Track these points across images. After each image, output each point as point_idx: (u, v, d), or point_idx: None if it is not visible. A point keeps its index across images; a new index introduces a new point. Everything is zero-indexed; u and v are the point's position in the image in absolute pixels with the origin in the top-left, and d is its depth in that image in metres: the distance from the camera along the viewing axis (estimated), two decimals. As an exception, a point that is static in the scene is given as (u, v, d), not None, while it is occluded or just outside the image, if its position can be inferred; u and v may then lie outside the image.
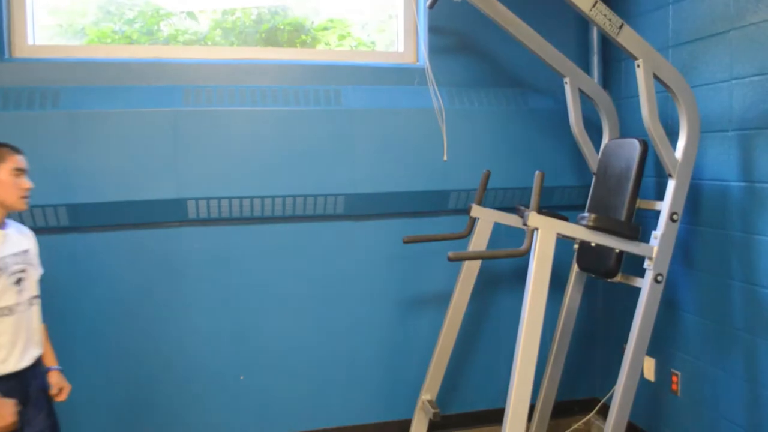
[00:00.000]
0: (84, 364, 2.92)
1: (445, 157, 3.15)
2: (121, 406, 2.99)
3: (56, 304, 2.86)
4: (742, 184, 2.58)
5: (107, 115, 2.80)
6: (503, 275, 3.39)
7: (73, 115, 2.76)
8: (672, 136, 2.62)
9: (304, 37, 3.41)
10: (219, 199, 2.93)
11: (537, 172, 2.39)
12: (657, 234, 2.57)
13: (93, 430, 2.96)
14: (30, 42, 2.95)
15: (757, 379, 2.54)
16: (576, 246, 3.02)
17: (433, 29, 3.23)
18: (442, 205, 3.24)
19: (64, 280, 2.88)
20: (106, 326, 2.94)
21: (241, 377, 3.12)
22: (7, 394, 2.09)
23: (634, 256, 2.63)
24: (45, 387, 2.31)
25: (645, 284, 2.59)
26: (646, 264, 2.58)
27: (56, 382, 2.36)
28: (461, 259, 2.80)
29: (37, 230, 2.78)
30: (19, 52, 2.92)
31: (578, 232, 2.47)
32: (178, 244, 3.00)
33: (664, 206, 2.58)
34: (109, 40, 3.15)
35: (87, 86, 2.87)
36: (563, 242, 2.78)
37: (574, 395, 3.50)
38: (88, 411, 2.94)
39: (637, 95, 2.55)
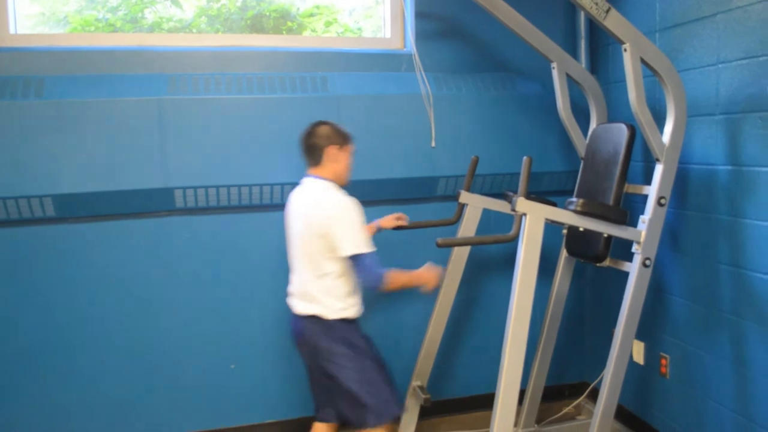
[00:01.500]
0: (72, 355, 2.92)
1: (433, 144, 3.14)
2: (109, 398, 2.98)
3: (41, 296, 2.86)
4: (729, 167, 2.59)
5: (92, 104, 2.77)
6: (492, 261, 3.40)
7: (58, 104, 2.72)
8: (659, 120, 2.61)
9: (290, 23, 3.38)
10: (206, 187, 2.91)
11: (525, 158, 2.39)
12: (645, 218, 2.58)
13: (85, 421, 2.97)
14: (12, 31, 2.91)
15: (744, 361, 2.56)
16: (565, 231, 3.03)
17: (420, 15, 3.21)
18: (430, 192, 3.24)
19: (50, 271, 2.86)
20: (93, 317, 2.93)
21: (232, 366, 3.11)
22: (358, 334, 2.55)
23: (622, 240, 2.64)
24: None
25: (633, 268, 2.60)
26: (634, 248, 2.59)
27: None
28: (450, 245, 2.80)
29: (23, 221, 2.77)
30: (1, 42, 2.88)
31: (566, 217, 2.47)
32: (166, 233, 2.98)
33: (652, 190, 2.59)
34: (92, 28, 3.11)
35: (71, 75, 2.84)
36: (552, 227, 2.78)
37: (564, 379, 3.53)
38: (73, 404, 2.94)
39: (624, 80, 2.55)
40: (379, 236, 3.18)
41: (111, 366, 2.97)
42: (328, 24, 3.45)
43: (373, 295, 3.25)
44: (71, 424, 2.95)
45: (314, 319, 2.50)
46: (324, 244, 2.41)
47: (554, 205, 2.67)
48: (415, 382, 3.07)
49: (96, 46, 2.97)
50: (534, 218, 2.33)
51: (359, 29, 3.48)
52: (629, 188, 2.82)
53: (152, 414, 3.04)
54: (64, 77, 2.81)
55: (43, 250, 2.84)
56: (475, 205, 2.99)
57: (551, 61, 2.95)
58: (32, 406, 2.89)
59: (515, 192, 2.37)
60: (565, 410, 3.41)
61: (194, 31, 3.25)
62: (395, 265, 3.24)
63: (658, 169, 2.59)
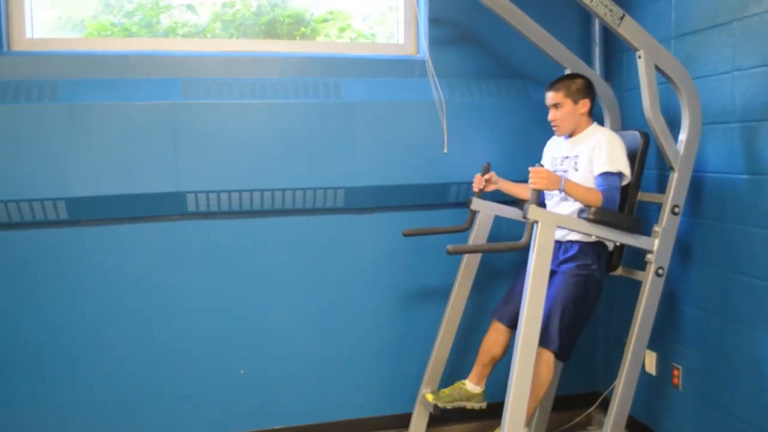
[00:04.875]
0: (82, 359, 2.93)
1: (445, 150, 3.13)
2: (119, 401, 2.99)
3: (55, 298, 2.88)
4: (745, 176, 2.56)
5: (106, 108, 2.78)
6: (504, 268, 3.38)
7: (72, 108, 2.74)
8: (674, 128, 2.60)
9: (303, 29, 3.39)
10: (218, 192, 2.92)
11: (537, 165, 2.38)
12: (658, 227, 2.56)
13: (91, 428, 2.97)
14: (29, 35, 2.94)
15: (759, 372, 2.53)
16: (577, 239, 3.00)
17: (434, 20, 3.21)
18: (442, 198, 3.23)
19: (62, 274, 2.88)
20: (105, 321, 2.94)
21: (242, 371, 3.12)
22: None
23: (635, 249, 2.61)
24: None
25: (646, 277, 2.58)
26: (647, 257, 2.57)
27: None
28: (460, 252, 2.79)
29: (36, 224, 2.80)
30: (17, 46, 2.91)
31: (579, 225, 2.45)
32: (178, 237, 2.99)
33: (666, 199, 2.57)
34: (108, 33, 3.14)
35: (86, 79, 2.86)
36: (564, 235, 2.76)
37: (575, 389, 3.49)
38: (84, 406, 2.95)
39: (639, 87, 2.53)
40: (391, 243, 3.19)
41: (118, 368, 2.98)
42: (341, 30, 3.46)
43: (383, 302, 3.26)
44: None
45: None
46: None
47: (566, 212, 2.65)
48: (425, 390, 3.05)
49: (111, 51, 2.99)
50: (546, 226, 2.32)
51: (373, 35, 3.48)
52: (642, 196, 2.80)
53: (160, 419, 3.04)
54: (78, 81, 2.83)
55: (55, 252, 2.86)
56: (486, 212, 2.97)
57: (565, 68, 2.94)
58: (35, 410, 2.91)
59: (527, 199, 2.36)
60: (576, 420, 3.38)
61: (209, 36, 3.27)
62: (406, 273, 3.26)
63: (672, 177, 2.56)
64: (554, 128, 2.76)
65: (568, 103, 2.69)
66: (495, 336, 2.86)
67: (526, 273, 2.34)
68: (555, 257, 2.69)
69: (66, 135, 2.74)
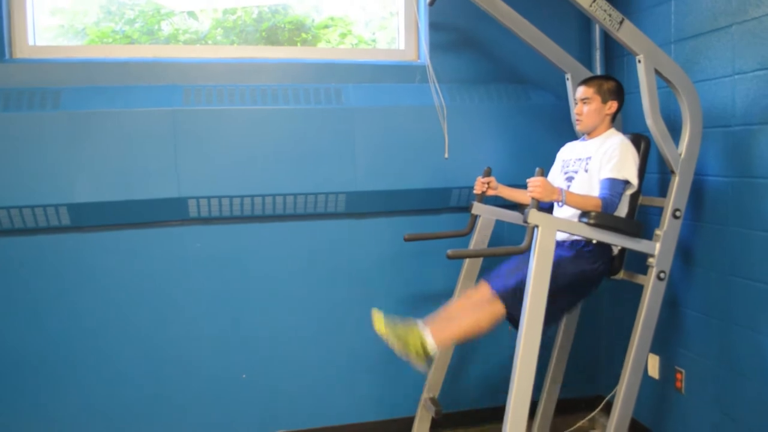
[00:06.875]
0: (83, 365, 2.94)
1: (446, 155, 3.14)
2: (122, 408, 2.99)
3: (56, 304, 2.89)
4: (746, 179, 2.56)
5: (108, 115, 2.80)
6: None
7: (74, 115, 2.76)
8: (674, 131, 2.60)
9: (305, 35, 3.40)
10: (220, 197, 2.93)
11: (537, 168, 2.39)
12: (659, 231, 2.56)
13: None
14: (31, 43, 2.96)
15: (762, 376, 2.52)
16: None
17: (434, 26, 3.22)
18: (443, 203, 3.23)
19: (64, 280, 2.89)
20: (106, 327, 2.95)
21: (244, 376, 3.12)
22: None
23: (636, 253, 2.61)
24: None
25: (648, 281, 2.58)
26: (649, 261, 2.57)
27: None
28: (460, 257, 2.79)
29: (39, 230, 2.81)
30: (20, 53, 2.93)
31: (580, 229, 2.45)
32: (180, 243, 3.00)
33: (667, 203, 2.57)
34: (109, 40, 3.15)
35: (88, 86, 2.87)
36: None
37: (578, 393, 3.48)
38: (87, 412, 2.96)
39: (639, 91, 2.53)
40: (392, 247, 3.20)
41: (120, 374, 2.99)
42: (342, 36, 3.47)
43: (384, 306, 3.26)
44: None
45: None
46: None
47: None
48: (427, 394, 3.05)
49: (112, 58, 3.00)
50: (546, 230, 2.32)
51: (374, 41, 3.49)
52: (644, 200, 2.80)
53: (162, 424, 3.05)
54: (80, 88, 2.85)
55: (57, 258, 2.87)
56: (487, 216, 2.97)
57: (565, 72, 2.94)
58: (36, 416, 2.92)
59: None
60: (579, 424, 3.37)
61: (210, 42, 3.28)
62: (408, 277, 3.26)
63: (673, 181, 2.56)
64: (577, 122, 2.78)
65: (596, 100, 2.71)
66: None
67: (528, 267, 2.33)
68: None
69: (68, 142, 2.75)
